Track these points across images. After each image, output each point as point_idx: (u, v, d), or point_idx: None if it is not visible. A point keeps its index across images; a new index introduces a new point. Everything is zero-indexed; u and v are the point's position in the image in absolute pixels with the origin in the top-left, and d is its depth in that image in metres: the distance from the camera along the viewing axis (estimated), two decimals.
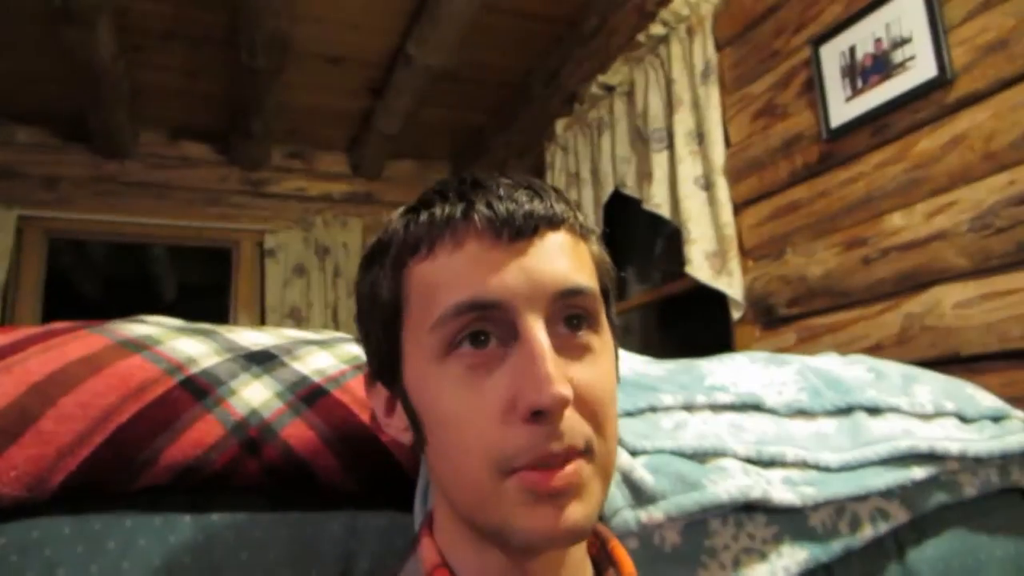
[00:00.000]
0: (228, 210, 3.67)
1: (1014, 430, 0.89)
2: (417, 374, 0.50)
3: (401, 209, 0.54)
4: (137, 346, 0.67)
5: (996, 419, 0.90)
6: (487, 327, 0.47)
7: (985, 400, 0.93)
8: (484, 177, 0.52)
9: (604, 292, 0.53)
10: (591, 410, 0.48)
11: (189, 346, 0.69)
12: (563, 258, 0.49)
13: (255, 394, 0.67)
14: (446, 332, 0.47)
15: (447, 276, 0.48)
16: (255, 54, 2.62)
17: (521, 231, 0.48)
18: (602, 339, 0.51)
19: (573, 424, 0.46)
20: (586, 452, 0.47)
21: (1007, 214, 1.24)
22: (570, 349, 0.48)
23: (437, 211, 0.50)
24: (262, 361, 0.71)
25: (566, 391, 0.44)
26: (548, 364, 0.45)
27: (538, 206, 0.49)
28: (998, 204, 1.26)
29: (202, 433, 0.62)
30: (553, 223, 0.50)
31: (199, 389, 0.65)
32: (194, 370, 0.66)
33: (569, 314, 0.49)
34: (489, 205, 0.49)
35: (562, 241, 0.50)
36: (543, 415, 0.45)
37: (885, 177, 1.50)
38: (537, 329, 0.46)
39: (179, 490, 0.63)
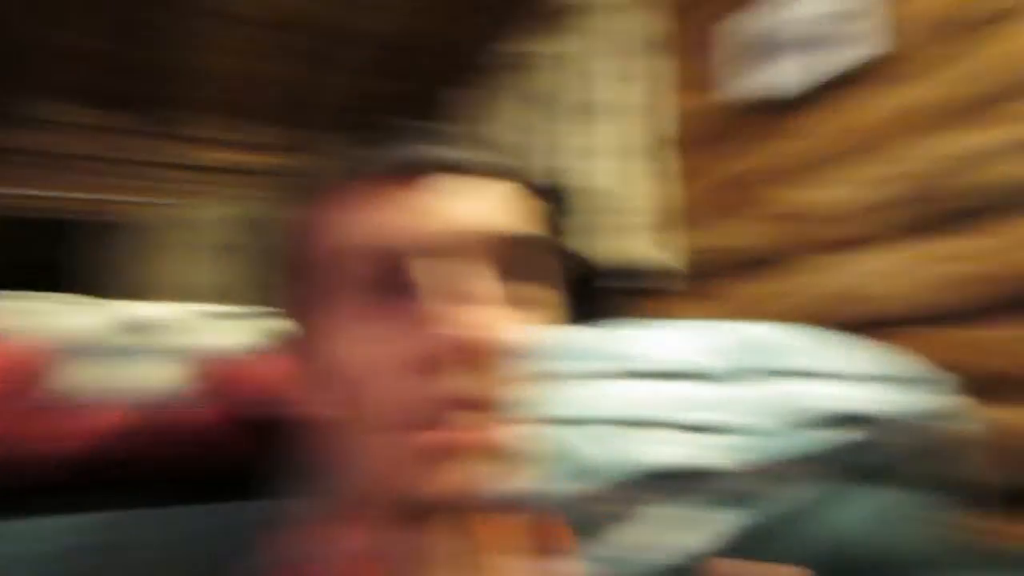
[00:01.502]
0: (148, 183, 3.50)
1: (934, 391, 0.91)
2: (336, 336, 0.45)
3: (324, 166, 0.51)
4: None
5: (917, 381, 0.93)
6: (416, 276, 0.44)
7: (905, 363, 0.95)
8: (424, 130, 0.49)
9: (551, 249, 0.51)
10: (519, 363, 0.45)
11: (69, 321, 0.63)
12: (509, 208, 0.47)
13: (127, 376, 0.61)
14: (372, 284, 0.44)
15: (376, 226, 0.44)
16: (176, 13, 2.48)
17: (467, 178, 0.46)
18: (545, 294, 0.49)
19: (497, 374, 0.43)
20: (505, 405, 0.44)
21: (937, 185, 1.27)
22: (509, 300, 0.45)
23: (373, 161, 0.47)
24: (143, 334, 0.65)
25: (499, 338, 0.42)
26: (480, 311, 0.42)
27: (484, 155, 0.48)
28: (928, 175, 1.28)
29: (66, 424, 0.57)
30: (499, 173, 0.48)
31: (71, 373, 0.59)
32: (68, 349, 0.60)
33: (514, 265, 0.46)
34: (431, 153, 0.46)
35: (508, 192, 0.48)
36: (471, 362, 0.42)
37: (821, 148, 1.51)
38: (474, 276, 0.44)
39: (40, 490, 0.57)
